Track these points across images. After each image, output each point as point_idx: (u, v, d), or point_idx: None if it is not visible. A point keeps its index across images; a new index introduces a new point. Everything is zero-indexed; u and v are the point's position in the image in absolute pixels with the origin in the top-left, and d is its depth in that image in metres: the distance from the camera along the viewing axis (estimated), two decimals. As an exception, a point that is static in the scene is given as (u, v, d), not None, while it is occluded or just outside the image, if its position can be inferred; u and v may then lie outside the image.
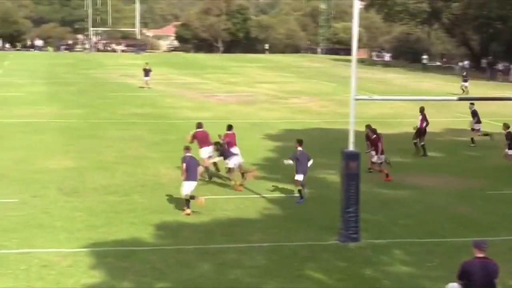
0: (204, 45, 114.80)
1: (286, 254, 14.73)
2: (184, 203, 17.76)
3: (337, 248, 15.18)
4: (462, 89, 48.58)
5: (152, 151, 26.51)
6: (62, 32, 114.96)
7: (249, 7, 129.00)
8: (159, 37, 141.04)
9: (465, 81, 49.43)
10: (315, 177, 21.97)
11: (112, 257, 14.25)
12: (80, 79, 55.60)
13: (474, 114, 29.15)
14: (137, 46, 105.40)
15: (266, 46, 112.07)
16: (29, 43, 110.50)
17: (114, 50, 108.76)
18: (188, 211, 17.61)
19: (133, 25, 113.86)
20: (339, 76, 61.44)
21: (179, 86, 51.57)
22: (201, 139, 21.98)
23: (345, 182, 15.51)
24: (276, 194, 20.12)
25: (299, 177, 19.16)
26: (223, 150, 20.88)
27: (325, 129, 32.34)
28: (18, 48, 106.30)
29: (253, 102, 42.70)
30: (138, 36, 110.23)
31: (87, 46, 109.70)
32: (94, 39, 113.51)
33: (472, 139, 28.95)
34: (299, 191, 19.32)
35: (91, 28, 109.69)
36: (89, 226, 16.47)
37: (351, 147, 15.63)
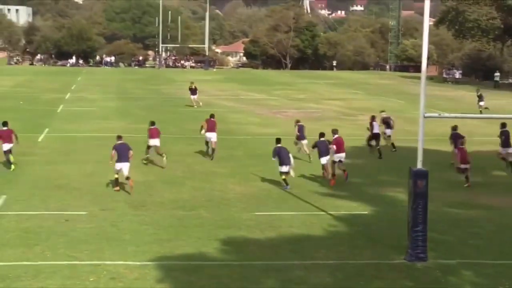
0: (272, 62, 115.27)
1: (351, 272, 14.60)
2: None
3: (404, 268, 14.95)
4: None
5: (219, 166, 26.72)
6: (134, 49, 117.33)
7: (318, 23, 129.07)
8: (227, 54, 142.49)
9: None
10: (383, 195, 21.73)
11: (179, 271, 14.39)
12: (149, 95, 56.57)
13: None
14: (206, 62, 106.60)
15: (334, 62, 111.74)
16: (100, 58, 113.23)
17: (183, 66, 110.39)
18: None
19: (202, 42, 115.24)
20: (408, 93, 60.68)
21: (247, 102, 51.87)
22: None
23: (413, 201, 15.30)
24: (342, 211, 19.99)
25: (284, 168, 22.96)
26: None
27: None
28: (91, 64, 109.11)
29: (320, 118, 42.54)
30: (207, 52, 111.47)
31: (157, 62, 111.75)
32: (164, 55, 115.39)
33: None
34: (284, 179, 22.89)
35: (161, 45, 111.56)
36: (157, 239, 16.69)
37: (419, 165, 15.42)
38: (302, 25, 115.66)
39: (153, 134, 27.05)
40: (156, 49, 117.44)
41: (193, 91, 48.13)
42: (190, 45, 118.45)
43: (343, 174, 24.01)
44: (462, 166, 24.01)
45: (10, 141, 25.35)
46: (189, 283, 13.68)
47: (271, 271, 14.46)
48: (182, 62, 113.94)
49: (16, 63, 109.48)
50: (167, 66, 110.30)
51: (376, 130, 29.91)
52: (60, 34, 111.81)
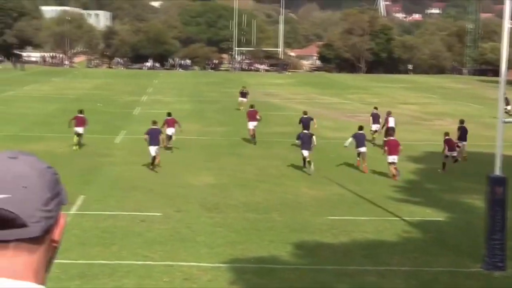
0: (347, 65, 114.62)
1: (426, 279, 14.36)
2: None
3: (481, 276, 14.61)
4: None
5: (292, 170, 26.72)
6: (208, 52, 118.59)
7: (393, 27, 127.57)
8: (301, 57, 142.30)
9: None
10: (458, 202, 21.30)
11: (251, 273, 14.46)
12: (223, 98, 57.09)
13: None
14: (280, 65, 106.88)
15: (410, 66, 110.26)
16: (174, 62, 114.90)
17: (257, 70, 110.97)
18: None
19: (276, 45, 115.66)
20: (486, 98, 59.31)
21: (321, 106, 51.71)
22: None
23: (490, 208, 14.94)
24: (416, 217, 19.69)
25: (305, 152, 26.00)
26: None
27: (470, 152, 31.29)
28: (167, 67, 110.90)
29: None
30: (281, 56, 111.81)
31: (231, 65, 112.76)
32: (238, 58, 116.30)
33: None
34: (308, 162, 25.87)
35: (236, 48, 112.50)
36: (229, 242, 16.81)
37: (497, 172, 15.05)
38: (377, 28, 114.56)
39: (169, 123, 31.37)
40: (231, 52, 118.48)
41: (244, 94, 48.62)
42: (264, 49, 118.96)
43: (395, 174, 25.31)
44: None
45: (83, 125, 30.69)
46: (261, 286, 13.73)
47: (344, 276, 14.36)
48: (256, 65, 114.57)
49: (95, 66, 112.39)
50: (242, 69, 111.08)
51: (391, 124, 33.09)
52: (137, 38, 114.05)
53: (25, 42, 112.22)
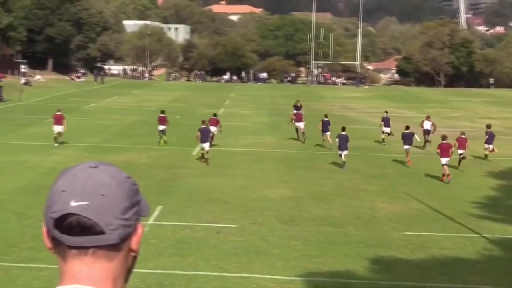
0: (425, 79, 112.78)
1: (507, 299, 13.92)
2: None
3: None
4: None
5: (369, 184, 26.45)
6: (286, 65, 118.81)
7: (474, 40, 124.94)
8: (379, 71, 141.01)
9: None
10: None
11: (326, 288, 14.34)
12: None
13: None
14: (357, 79, 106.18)
15: (491, 80, 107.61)
16: (249, 75, 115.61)
17: (334, 83, 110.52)
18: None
19: (354, 59, 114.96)
20: None
21: (399, 120, 51.02)
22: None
23: None
24: (497, 235, 19.13)
25: (341, 152, 29.72)
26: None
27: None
28: (243, 80, 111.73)
29: (474, 137, 41.12)
30: (359, 69, 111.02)
31: (308, 78, 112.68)
32: (315, 72, 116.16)
33: None
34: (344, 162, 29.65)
35: (313, 61, 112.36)
36: (305, 255, 16.73)
37: None
38: (458, 41, 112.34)
39: (212, 123, 34.90)
40: (308, 66, 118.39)
41: (297, 108, 48.47)
42: (341, 62, 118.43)
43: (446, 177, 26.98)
44: None
45: (164, 124, 35.94)
46: (336, 300, 13.59)
47: (421, 294, 14.07)
48: (334, 79, 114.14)
49: (174, 79, 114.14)
50: (319, 82, 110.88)
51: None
52: (215, 51, 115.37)
53: (108, 56, 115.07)
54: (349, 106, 62.01)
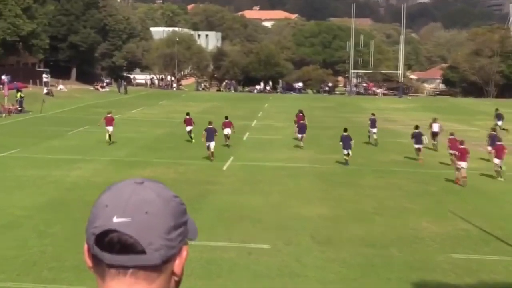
0: (473, 89, 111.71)
1: None
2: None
3: None
4: None
5: (412, 202, 26.23)
6: (323, 74, 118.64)
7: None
8: (423, 80, 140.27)
9: None
10: None
11: (366, 314, 14.21)
12: (338, 123, 56.86)
13: None
14: (400, 89, 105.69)
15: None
16: (282, 85, 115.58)
17: (375, 93, 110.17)
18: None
19: (396, 67, 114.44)
20: None
21: (444, 133, 50.56)
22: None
23: None
24: (554, 259, 18.79)
25: (345, 151, 34.35)
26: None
27: None
28: (278, 91, 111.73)
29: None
30: (401, 79, 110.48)
31: (347, 88, 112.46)
32: (354, 81, 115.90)
33: None
34: (345, 160, 34.52)
35: (352, 70, 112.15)
36: (343, 278, 16.61)
37: None
38: (509, 49, 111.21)
39: (225, 125, 40.15)
40: (347, 75, 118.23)
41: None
42: (382, 71, 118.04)
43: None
44: None
45: (191, 125, 42.63)
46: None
47: (469, 322, 13.87)
48: (374, 89, 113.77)
49: (203, 89, 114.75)
50: (358, 93, 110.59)
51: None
52: (247, 60, 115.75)
53: (134, 64, 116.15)
54: (390, 118, 61.70)
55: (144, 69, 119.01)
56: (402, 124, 53.62)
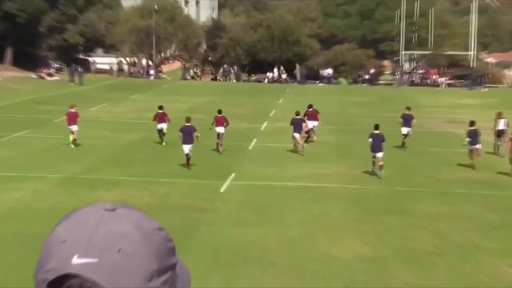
0: None
1: None
2: None
3: None
4: None
5: (488, 238, 26.16)
6: (361, 57, 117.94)
7: None
8: (505, 65, 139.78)
9: None
10: None
11: None
12: (382, 126, 56.71)
13: None
14: (472, 77, 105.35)
15: None
16: (298, 71, 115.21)
17: (435, 84, 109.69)
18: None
19: (466, 47, 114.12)
20: None
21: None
22: None
23: None
24: None
25: (376, 154, 37.46)
26: None
27: None
28: (297, 80, 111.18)
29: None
30: (473, 63, 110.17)
31: (396, 77, 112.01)
32: (406, 66, 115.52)
33: None
34: (373, 162, 37.64)
35: (403, 52, 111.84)
36: None
37: None
38: None
39: (218, 121, 43.76)
40: (395, 57, 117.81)
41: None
42: (447, 52, 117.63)
43: None
44: None
45: (163, 121, 45.81)
46: None
47: None
48: (435, 77, 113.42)
49: (192, 77, 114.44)
50: (412, 83, 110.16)
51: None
52: (255, 36, 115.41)
53: (94, 43, 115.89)
54: (457, 119, 61.56)
55: (109, 49, 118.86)
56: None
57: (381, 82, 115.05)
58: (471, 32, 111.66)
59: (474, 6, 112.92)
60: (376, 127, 38.96)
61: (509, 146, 38.21)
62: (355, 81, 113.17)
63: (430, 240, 25.74)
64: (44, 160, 39.12)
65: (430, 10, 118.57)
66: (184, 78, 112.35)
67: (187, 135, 38.18)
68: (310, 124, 48.22)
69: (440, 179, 36.59)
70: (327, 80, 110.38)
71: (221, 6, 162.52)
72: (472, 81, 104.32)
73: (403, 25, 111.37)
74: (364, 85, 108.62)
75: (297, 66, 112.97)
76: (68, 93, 78.54)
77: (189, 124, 38.82)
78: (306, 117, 48.09)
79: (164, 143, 44.77)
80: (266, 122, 57.95)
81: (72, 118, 43.78)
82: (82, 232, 1.64)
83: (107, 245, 1.62)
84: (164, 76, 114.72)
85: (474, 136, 40.14)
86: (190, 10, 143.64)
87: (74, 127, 43.65)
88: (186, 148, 37.96)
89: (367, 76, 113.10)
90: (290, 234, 25.93)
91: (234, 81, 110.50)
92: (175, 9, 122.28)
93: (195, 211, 28.90)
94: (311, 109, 50.50)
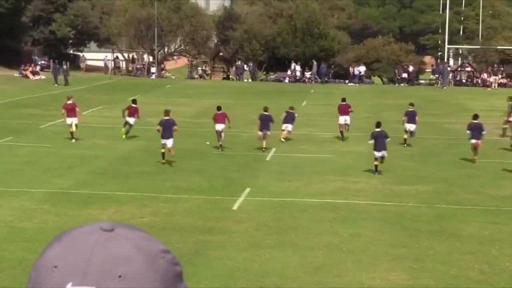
0: None
1: None
2: None
3: None
4: None
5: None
6: (399, 52, 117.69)
7: None
8: None
9: None
10: None
11: None
12: (423, 132, 56.72)
13: None
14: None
15: None
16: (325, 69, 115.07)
17: (486, 84, 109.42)
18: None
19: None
20: None
21: None
22: None
23: None
24: None
25: (377, 153, 40.83)
26: None
27: None
28: (326, 79, 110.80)
29: None
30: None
31: (439, 75, 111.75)
32: (451, 63, 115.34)
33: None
34: (375, 165, 40.79)
35: (447, 46, 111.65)
36: None
37: None
38: None
39: (217, 119, 46.80)
40: (439, 53, 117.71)
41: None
42: (500, 47, 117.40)
43: None
44: None
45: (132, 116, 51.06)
46: None
47: None
48: (484, 75, 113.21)
49: (201, 76, 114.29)
50: (458, 82, 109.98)
51: None
52: (275, 28, 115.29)
53: (87, 36, 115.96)
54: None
55: (104, 43, 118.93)
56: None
57: (422, 81, 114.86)
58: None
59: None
60: (378, 125, 42.52)
61: None
62: (392, 81, 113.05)
63: (478, 267, 25.67)
64: (28, 173, 39.18)
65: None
66: (191, 77, 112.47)
67: (167, 129, 41.69)
68: (342, 119, 53.97)
69: (491, 196, 36.45)
70: (359, 79, 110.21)
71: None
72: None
73: (447, 15, 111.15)
74: (402, 85, 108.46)
75: (314, 63, 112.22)
76: (56, 95, 78.44)
77: (168, 117, 42.47)
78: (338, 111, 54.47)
79: (124, 137, 50.35)
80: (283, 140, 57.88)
81: (72, 110, 47.45)
82: (76, 257, 1.63)
83: (106, 271, 1.62)
84: (168, 74, 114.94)
85: (476, 130, 44.97)
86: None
87: (75, 120, 48.07)
88: (169, 142, 41.56)
89: (405, 75, 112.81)
90: (315, 261, 25.90)
91: (250, 80, 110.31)
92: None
93: (203, 232, 28.90)
94: (344, 103, 55.48)
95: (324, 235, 28.96)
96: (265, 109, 49.39)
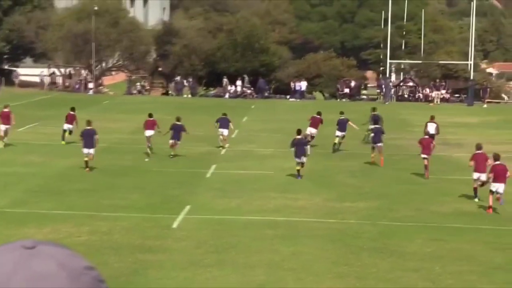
0: None
1: None
2: None
3: None
4: None
5: (489, 280, 26.30)
6: (340, 67, 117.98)
7: None
8: (509, 76, 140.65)
9: None
10: None
11: None
12: (364, 149, 57.00)
13: None
14: (470, 91, 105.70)
15: None
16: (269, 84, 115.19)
17: (427, 99, 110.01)
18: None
19: (464, 55, 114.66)
20: None
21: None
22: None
23: None
24: None
25: (297, 159, 44.30)
26: None
27: None
28: (266, 95, 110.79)
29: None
30: (472, 75, 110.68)
31: (381, 91, 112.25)
32: (393, 78, 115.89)
33: None
34: (298, 170, 44.69)
35: (389, 60, 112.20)
36: None
37: None
38: None
39: (147, 125, 51.54)
40: (381, 68, 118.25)
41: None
42: (441, 61, 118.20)
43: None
44: None
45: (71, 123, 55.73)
46: None
47: None
48: (427, 91, 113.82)
49: (140, 91, 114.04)
50: (399, 97, 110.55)
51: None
52: (215, 43, 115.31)
53: (22, 51, 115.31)
54: (454, 140, 61.85)
55: (40, 58, 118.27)
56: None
57: (364, 96, 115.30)
58: (470, 38, 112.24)
59: (473, 7, 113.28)
60: (298, 132, 46.55)
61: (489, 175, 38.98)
62: (333, 96, 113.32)
63: (421, 284, 25.84)
64: (-39, 191, 38.89)
65: (421, 12, 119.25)
66: (130, 93, 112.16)
67: (88, 138, 44.53)
68: (309, 130, 57.11)
69: (433, 212, 36.71)
70: (300, 94, 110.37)
71: (173, 7, 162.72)
72: (471, 95, 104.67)
73: (389, 29, 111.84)
74: (344, 100, 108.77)
75: (245, 78, 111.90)
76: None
77: (90, 127, 45.49)
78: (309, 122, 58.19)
79: (63, 142, 55.35)
80: (227, 144, 57.90)
81: (6, 117, 50.37)
82: None
83: None
84: (106, 90, 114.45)
85: (376, 134, 49.99)
86: (136, 12, 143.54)
87: (9, 127, 51.06)
88: (91, 151, 44.35)
89: (347, 90, 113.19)
90: (256, 279, 25.92)
91: (189, 96, 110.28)
92: (119, 11, 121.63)
93: (142, 251, 28.84)
94: (318, 116, 59.25)
95: (264, 253, 29.00)
96: (178, 119, 52.80)
